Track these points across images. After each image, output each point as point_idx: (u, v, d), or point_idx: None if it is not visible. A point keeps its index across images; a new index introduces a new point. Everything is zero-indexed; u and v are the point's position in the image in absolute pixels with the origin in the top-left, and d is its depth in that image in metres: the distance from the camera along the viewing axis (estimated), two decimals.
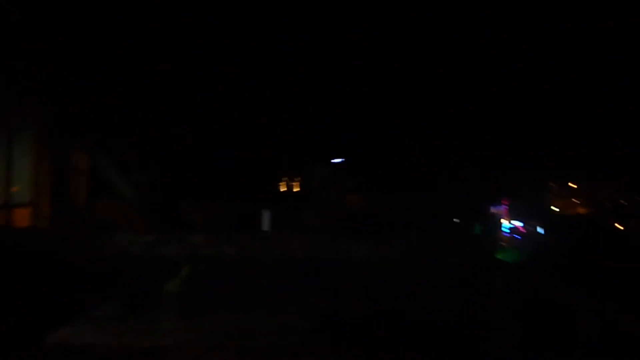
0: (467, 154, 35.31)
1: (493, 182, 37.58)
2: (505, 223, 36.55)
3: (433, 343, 10.82)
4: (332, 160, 35.50)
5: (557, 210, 40.74)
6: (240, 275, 16.24)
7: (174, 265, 13.87)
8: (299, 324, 11.22)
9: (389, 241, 22.21)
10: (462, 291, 15.96)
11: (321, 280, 16.83)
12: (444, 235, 25.52)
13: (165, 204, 23.90)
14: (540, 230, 36.49)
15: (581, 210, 40.56)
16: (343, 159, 35.52)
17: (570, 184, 41.94)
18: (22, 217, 15.44)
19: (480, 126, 36.06)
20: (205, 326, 10.61)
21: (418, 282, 16.44)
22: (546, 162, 39.07)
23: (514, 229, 36.30)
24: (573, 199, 41.51)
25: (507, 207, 36.91)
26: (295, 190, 30.90)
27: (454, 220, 35.49)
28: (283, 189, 30.48)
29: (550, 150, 39.14)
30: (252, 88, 31.09)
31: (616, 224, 35.49)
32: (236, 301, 13.08)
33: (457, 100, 34.87)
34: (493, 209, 37.69)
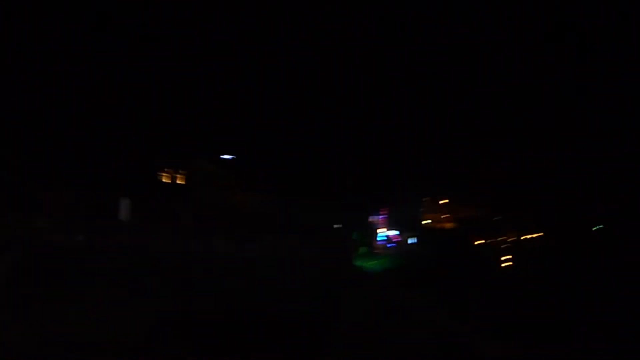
0: (353, 163, 36.82)
1: (375, 192, 39.62)
2: (382, 232, 38.71)
3: (281, 340, 10.76)
4: (222, 157, 34.76)
5: (429, 222, 43.97)
6: (88, 265, 14.73)
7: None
8: (144, 319, 10.22)
9: (250, 242, 21.94)
10: (317, 293, 16.47)
11: (176, 275, 15.96)
12: (307, 240, 26.38)
13: (14, 185, 21.24)
14: (412, 240, 39.18)
15: (448, 225, 44.24)
16: (234, 156, 34.97)
17: (441, 200, 45.59)
18: None
19: (368, 139, 37.81)
20: (32, 318, 9.21)
21: (275, 283, 16.62)
22: (423, 177, 42.05)
23: (389, 238, 38.57)
24: (442, 214, 45.09)
25: (385, 217, 39.07)
26: (179, 182, 29.82)
27: (335, 226, 36.74)
28: (166, 180, 29.20)
29: (427, 167, 42.29)
30: (135, 68, 29.37)
31: (475, 239, 39.32)
32: (78, 291, 11.67)
33: (347, 111, 36.16)
34: (372, 218, 39.77)
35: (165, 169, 29.64)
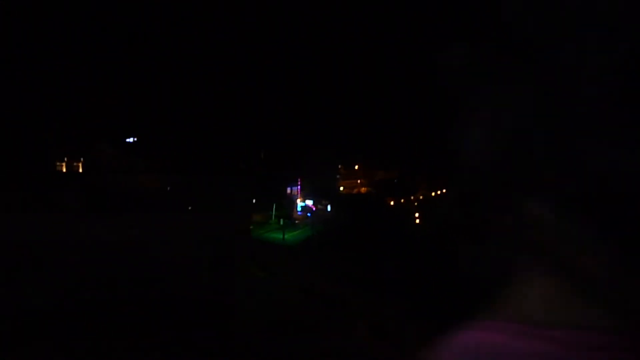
0: (264, 135, 36.55)
1: (289, 163, 39.77)
2: (299, 202, 39.10)
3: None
4: (127, 140, 32.99)
5: (343, 189, 45.05)
6: None
7: None
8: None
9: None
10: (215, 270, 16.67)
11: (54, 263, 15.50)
12: (206, 217, 26.27)
13: None
14: (328, 208, 39.98)
15: (363, 190, 45.64)
16: (136, 138, 33.32)
17: (355, 166, 46.81)
18: None
19: (276, 109, 37.58)
20: None
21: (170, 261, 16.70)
22: (335, 145, 42.82)
23: (306, 208, 39.08)
24: (357, 180, 46.38)
25: (301, 187, 39.45)
26: (80, 171, 27.99)
27: (253, 200, 36.52)
28: (62, 168, 27.23)
29: (339, 134, 43.05)
30: (22, 50, 26.81)
31: (389, 200, 41.00)
32: None
33: (255, 83, 35.63)
34: (289, 189, 40.01)
35: (64, 157, 27.72)
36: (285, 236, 30.58)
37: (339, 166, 46.82)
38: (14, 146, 22.90)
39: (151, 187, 28.01)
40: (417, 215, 36.12)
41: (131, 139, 31.92)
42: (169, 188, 29.21)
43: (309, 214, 40.47)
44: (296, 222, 38.28)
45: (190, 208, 29.32)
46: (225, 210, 27.02)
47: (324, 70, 39.03)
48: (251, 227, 33.99)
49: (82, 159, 26.73)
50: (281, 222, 34.57)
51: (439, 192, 48.44)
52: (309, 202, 41.04)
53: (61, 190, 22.16)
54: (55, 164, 26.49)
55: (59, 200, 20.97)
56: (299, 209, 40.05)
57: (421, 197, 45.77)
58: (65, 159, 27.43)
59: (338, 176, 46.54)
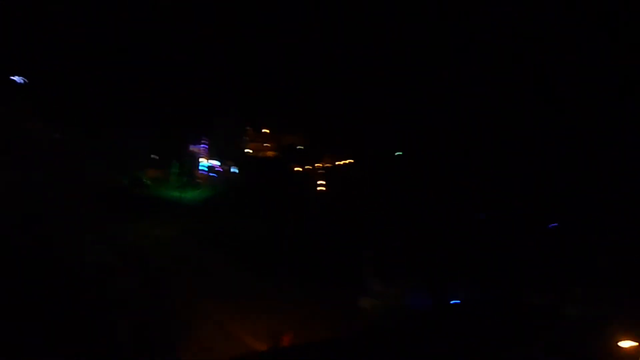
0: (168, 89, 34.84)
1: (194, 120, 38.49)
2: (203, 162, 38.20)
3: None
4: (13, 77, 29.88)
5: (251, 152, 44.66)
6: None
7: None
8: None
9: None
10: None
11: None
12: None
13: None
14: (234, 170, 39.57)
15: (270, 154, 45.56)
16: (26, 79, 30.30)
17: (264, 129, 46.39)
18: None
19: (183, 62, 35.94)
20: None
21: None
22: (244, 106, 42.04)
23: (211, 168, 38.33)
24: (264, 144, 46.11)
25: (206, 146, 38.50)
26: None
27: (152, 157, 35.04)
28: None
29: (248, 95, 42.26)
30: None
31: (295, 167, 41.37)
32: None
33: (159, 33, 33.59)
34: (193, 148, 38.86)
35: None
36: (186, 195, 29.92)
37: (247, 128, 46.26)
38: None
39: (38, 134, 25.84)
40: (320, 182, 36.90)
41: (18, 78, 29.18)
42: (57, 137, 27.10)
43: (213, 175, 39.78)
44: (198, 181, 37.46)
45: (81, 159, 27.52)
46: (119, 165, 25.79)
47: (236, 27, 37.78)
48: (149, 183, 32.60)
49: None
50: (184, 180, 33.66)
51: (344, 162, 49.84)
52: (214, 162, 40.30)
53: None
54: None
55: None
56: (203, 168, 39.18)
57: (327, 165, 46.75)
58: None
59: (246, 138, 46.03)
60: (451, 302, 18.33)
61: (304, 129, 45.52)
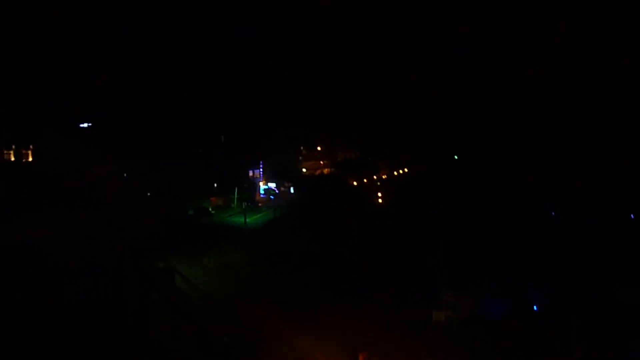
0: (224, 119, 35.87)
1: (250, 146, 39.35)
2: (262, 185, 38.90)
3: None
4: (80, 125, 31.72)
5: (306, 171, 45.06)
6: None
7: None
8: None
9: None
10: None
11: None
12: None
13: None
14: (292, 190, 40.00)
15: (325, 171, 45.72)
16: (90, 123, 32.09)
17: (317, 147, 46.76)
18: None
19: (236, 93, 36.92)
20: None
21: None
22: (297, 126, 42.54)
23: (269, 190, 38.94)
24: (319, 161, 46.40)
25: (262, 170, 39.21)
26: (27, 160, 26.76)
27: (214, 184, 36.05)
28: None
29: (300, 116, 42.75)
30: None
31: (352, 181, 41.25)
32: None
33: (213, 66, 34.76)
34: (251, 172, 39.69)
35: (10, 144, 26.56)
36: (248, 220, 30.42)
37: (301, 148, 46.78)
38: None
39: (106, 175, 27.21)
40: (379, 194, 36.54)
41: (85, 125, 30.88)
42: (125, 175, 28.49)
43: (272, 197, 40.40)
44: (259, 205, 38.11)
45: (148, 194, 28.73)
46: (184, 196, 26.62)
47: (282, 53, 38.45)
48: (213, 211, 33.68)
49: (30, 147, 25.63)
50: (243, 206, 34.36)
51: (400, 172, 49.17)
52: (272, 185, 40.91)
53: None
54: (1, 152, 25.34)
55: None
56: (261, 191, 39.87)
57: (384, 177, 46.29)
58: (13, 147, 26.28)
59: (300, 158, 46.50)
60: (532, 308, 17.34)
61: (357, 143, 45.48)
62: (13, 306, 14.48)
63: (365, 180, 43.47)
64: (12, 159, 26.72)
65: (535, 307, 17.47)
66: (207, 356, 13.73)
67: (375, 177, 44.90)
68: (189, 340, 15.05)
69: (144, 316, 15.80)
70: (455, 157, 39.04)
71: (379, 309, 17.28)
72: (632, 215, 22.69)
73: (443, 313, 17.17)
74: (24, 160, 26.34)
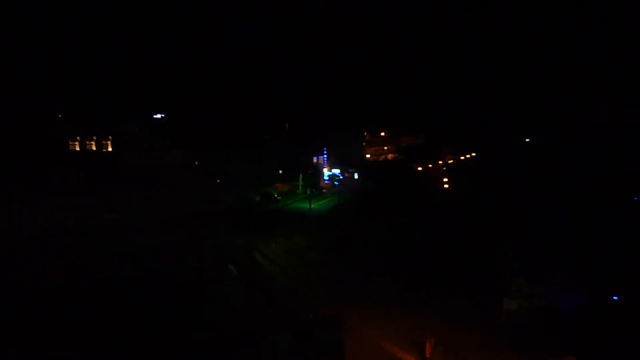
0: (288, 106, 36.34)
1: (314, 132, 39.58)
2: (326, 171, 39.10)
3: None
4: (154, 116, 33.30)
5: (369, 156, 44.69)
6: None
7: None
8: None
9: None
10: None
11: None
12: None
13: None
14: (355, 176, 39.93)
15: (389, 156, 45.16)
16: (163, 115, 33.60)
17: (381, 133, 46.20)
18: None
19: (295, 79, 37.18)
20: None
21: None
22: (360, 112, 42.26)
23: (332, 177, 39.08)
24: (383, 147, 45.86)
25: (327, 156, 39.36)
26: (106, 150, 28.53)
27: (279, 171, 36.70)
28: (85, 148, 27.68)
29: (363, 101, 42.44)
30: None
31: (416, 166, 40.48)
32: None
33: (276, 56, 35.23)
34: (315, 159, 39.96)
35: (92, 135, 28.34)
36: (312, 206, 30.73)
37: (365, 133, 46.40)
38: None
39: (178, 163, 28.50)
40: (445, 180, 35.55)
41: (158, 116, 32.35)
42: (196, 163, 29.68)
43: (336, 183, 40.51)
44: (323, 191, 38.35)
45: (218, 181, 29.77)
46: (251, 183, 27.21)
47: (343, 42, 38.26)
48: (279, 197, 34.31)
49: (109, 138, 27.26)
50: (308, 192, 34.71)
51: (467, 156, 47.52)
52: (336, 171, 40.99)
53: (76, 170, 23.05)
54: (84, 143, 27.13)
55: (73, 180, 21.79)
56: (325, 178, 40.04)
57: (450, 162, 44.99)
58: (94, 138, 28.04)
59: (364, 143, 46.14)
60: (610, 298, 16.35)
61: (421, 128, 44.43)
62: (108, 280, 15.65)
63: (430, 166, 42.52)
64: (94, 148, 28.52)
65: (615, 299, 16.48)
66: (289, 331, 14.10)
67: (440, 162, 43.79)
68: (268, 314, 15.50)
69: (221, 289, 16.55)
70: (527, 140, 37.27)
71: (447, 297, 16.93)
72: None
73: (515, 302, 16.57)
74: (104, 150, 28.04)
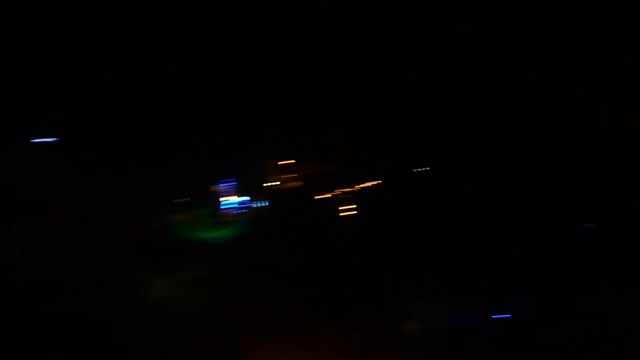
0: (192, 130, 35.36)
1: (220, 158, 38.89)
2: (226, 199, 38.37)
3: None
4: (39, 140, 30.81)
5: (278, 183, 44.71)
6: None
7: None
8: None
9: None
10: None
11: None
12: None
13: None
14: (262, 203, 39.57)
15: (293, 184, 45.47)
16: (56, 138, 31.21)
17: (285, 161, 46.48)
18: None
19: (202, 102, 36.49)
20: None
21: None
22: (269, 138, 42.24)
23: (238, 204, 38.44)
24: (290, 174, 46.10)
25: (229, 184, 38.72)
26: None
27: (182, 199, 35.40)
28: None
29: (272, 127, 42.52)
30: None
31: (323, 194, 41.04)
32: None
33: (177, 73, 34.37)
34: (218, 187, 39.12)
35: None
36: (217, 234, 29.93)
37: (273, 161, 46.37)
38: None
39: (72, 190, 26.51)
40: (352, 206, 36.50)
41: (50, 140, 30.18)
42: (93, 190, 27.81)
43: (242, 210, 39.82)
44: (228, 219, 37.45)
45: (115, 209, 27.99)
46: (146, 212, 26.04)
47: (254, 62, 38.38)
48: (180, 226, 32.89)
49: None
50: (212, 220, 33.76)
51: (374, 183, 49.34)
52: (242, 198, 40.36)
53: None
54: None
55: None
56: (230, 205, 39.25)
57: (358, 188, 46.26)
58: None
59: (272, 170, 46.09)
60: (499, 316, 17.42)
61: (330, 155, 45.48)
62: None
63: (337, 192, 43.36)
64: None
65: (509, 315, 17.55)
66: None
67: (348, 188, 44.86)
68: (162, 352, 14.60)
69: (110, 325, 15.33)
70: (415, 169, 39.32)
71: (349, 323, 17.09)
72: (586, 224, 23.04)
73: (414, 323, 17.06)
74: None
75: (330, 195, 40.86)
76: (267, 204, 39.01)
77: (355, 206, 36.55)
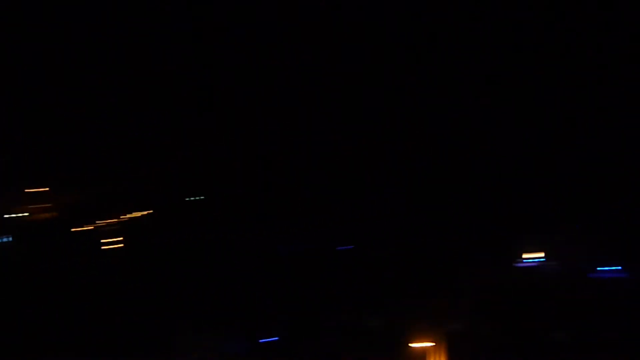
0: None
1: None
2: None
3: None
4: None
5: (28, 215, 39.30)
6: None
7: None
8: None
9: None
10: None
11: None
12: None
13: None
14: (7, 239, 34.14)
15: (46, 215, 40.65)
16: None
17: (42, 188, 41.31)
18: None
19: None
20: None
21: None
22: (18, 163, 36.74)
23: None
24: (40, 205, 41.06)
25: None
26: None
27: None
28: None
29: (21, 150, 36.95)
30: None
31: (79, 226, 37.35)
32: None
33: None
34: None
35: None
36: None
37: (23, 189, 40.75)
38: None
39: None
40: (113, 240, 34.04)
41: None
42: None
43: None
44: None
45: None
46: None
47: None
48: None
49: None
50: None
51: (144, 213, 46.81)
52: None
53: None
54: None
55: None
56: None
57: (126, 218, 43.33)
58: None
59: (21, 200, 40.47)
60: (266, 340, 18.09)
61: (92, 183, 41.51)
62: None
63: (100, 222, 40.04)
64: None
65: (275, 339, 18.27)
66: None
67: (115, 219, 41.76)
68: None
69: None
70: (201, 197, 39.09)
71: None
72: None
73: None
74: None
75: (92, 227, 37.41)
76: (10, 239, 34.31)
77: (122, 239, 34.23)
